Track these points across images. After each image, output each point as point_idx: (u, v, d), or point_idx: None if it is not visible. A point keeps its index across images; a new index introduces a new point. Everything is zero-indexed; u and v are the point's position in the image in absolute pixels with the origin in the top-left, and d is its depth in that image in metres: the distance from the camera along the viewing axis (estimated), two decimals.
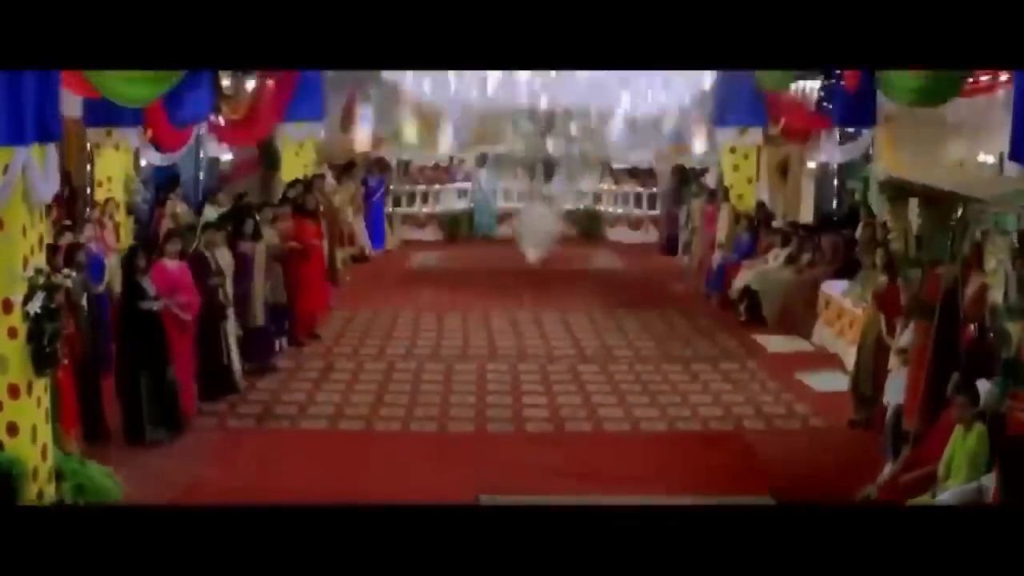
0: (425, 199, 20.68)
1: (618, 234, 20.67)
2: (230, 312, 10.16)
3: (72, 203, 14.33)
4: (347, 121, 22.53)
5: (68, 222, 11.50)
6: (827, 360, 11.50)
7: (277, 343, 11.57)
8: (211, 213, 13.44)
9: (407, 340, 12.55)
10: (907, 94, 8.97)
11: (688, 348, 12.30)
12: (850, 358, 10.06)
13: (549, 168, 16.63)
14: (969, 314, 8.04)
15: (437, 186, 20.97)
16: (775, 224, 14.83)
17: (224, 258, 10.24)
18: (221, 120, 15.43)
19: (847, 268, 12.21)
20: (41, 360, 6.41)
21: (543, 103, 14.03)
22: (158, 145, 14.31)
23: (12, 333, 6.35)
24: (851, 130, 14.23)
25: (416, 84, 14.44)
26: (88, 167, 14.55)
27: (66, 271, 6.69)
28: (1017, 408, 6.33)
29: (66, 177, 15.19)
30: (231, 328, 10.22)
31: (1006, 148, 7.69)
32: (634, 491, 7.76)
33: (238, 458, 8.58)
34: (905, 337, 7.79)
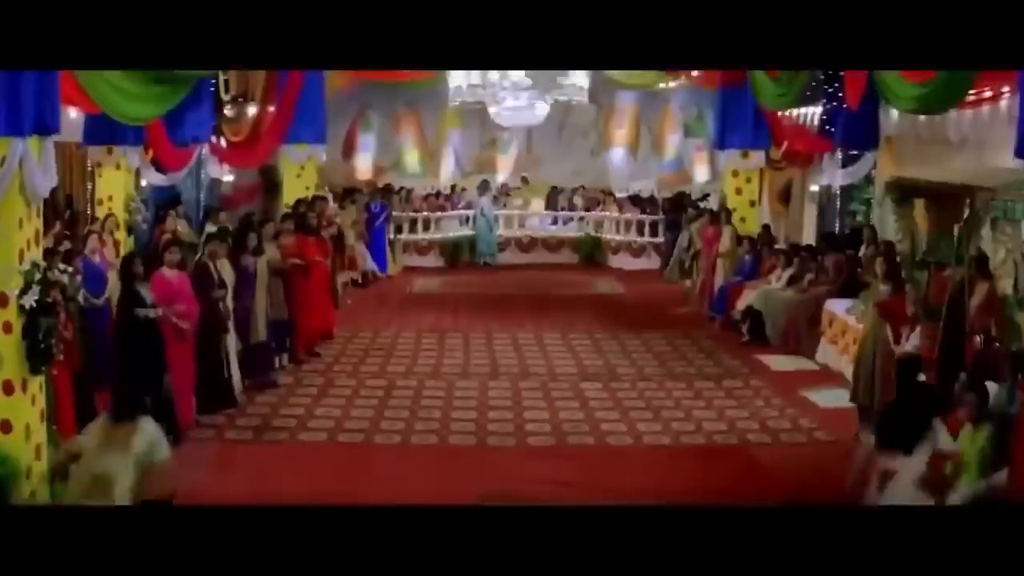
0: (427, 226, 20.67)
1: (620, 261, 20.63)
2: (231, 325, 10.10)
3: (73, 225, 14.32)
4: (348, 149, 22.64)
5: (68, 233, 11.44)
6: (832, 377, 11.39)
7: (277, 360, 11.48)
8: (212, 230, 13.39)
9: (408, 359, 12.45)
10: (909, 102, 8.94)
11: (691, 367, 12.20)
12: None
13: None
14: (976, 325, 7.97)
15: (439, 213, 20.97)
16: (777, 246, 14.78)
17: (226, 271, 10.19)
18: (223, 142, 15.46)
19: (850, 287, 12.13)
20: (36, 356, 6.33)
21: None
22: (159, 165, 14.30)
23: (7, 328, 6.27)
24: (853, 152, 14.23)
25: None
26: (89, 187, 14.55)
27: (62, 266, 6.61)
28: None
29: (67, 200, 15.31)
30: (231, 342, 10.15)
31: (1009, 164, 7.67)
32: (637, 501, 7.65)
33: (235, 468, 8.46)
34: (911, 341, 7.69)
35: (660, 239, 19.98)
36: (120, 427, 5.41)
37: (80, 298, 9.47)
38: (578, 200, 21.99)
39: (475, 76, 15.10)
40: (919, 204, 10.29)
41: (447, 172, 23.30)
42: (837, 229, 15.26)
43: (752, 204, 16.12)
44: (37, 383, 6.61)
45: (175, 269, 9.30)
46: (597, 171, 23.38)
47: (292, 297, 11.67)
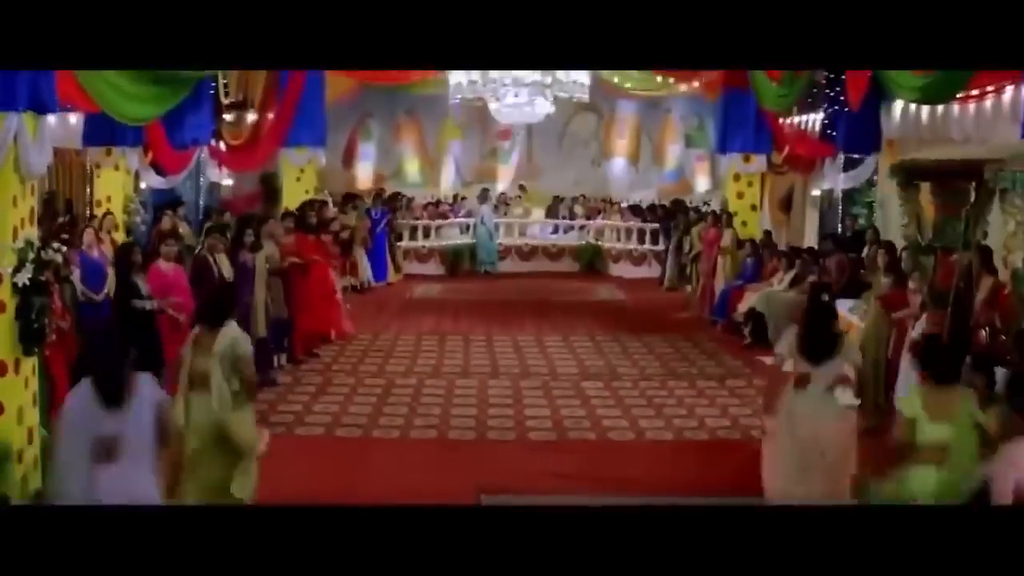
0: (427, 233, 20.61)
1: (621, 269, 20.58)
2: None
3: (72, 228, 14.25)
4: (349, 157, 22.65)
5: (67, 232, 11.35)
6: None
7: (276, 358, 11.36)
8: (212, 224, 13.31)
9: (408, 359, 12.35)
10: (912, 92, 8.89)
11: (693, 367, 12.09)
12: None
13: None
14: (982, 319, 7.87)
15: (439, 221, 20.93)
16: (779, 248, 14.70)
17: (225, 267, 10.10)
18: (222, 145, 15.42)
19: (853, 288, 12.02)
20: (29, 335, 6.22)
21: None
22: (158, 168, 14.25)
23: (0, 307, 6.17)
24: (855, 156, 14.17)
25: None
26: (88, 190, 14.50)
27: (56, 245, 6.52)
28: None
29: (67, 204, 15.25)
30: None
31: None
32: (638, 493, 7.55)
33: None
34: (918, 328, 7.58)
35: (660, 247, 19.93)
36: (205, 332, 6.23)
37: (79, 294, 9.43)
38: (579, 209, 21.96)
39: (475, 72, 15.05)
40: (925, 188, 10.18)
41: (447, 181, 23.32)
42: (839, 232, 15.19)
43: (753, 208, 16.06)
44: (30, 365, 6.50)
45: (171, 262, 9.21)
46: (598, 181, 23.38)
47: (291, 297, 11.57)
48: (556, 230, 21.84)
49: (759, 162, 15.67)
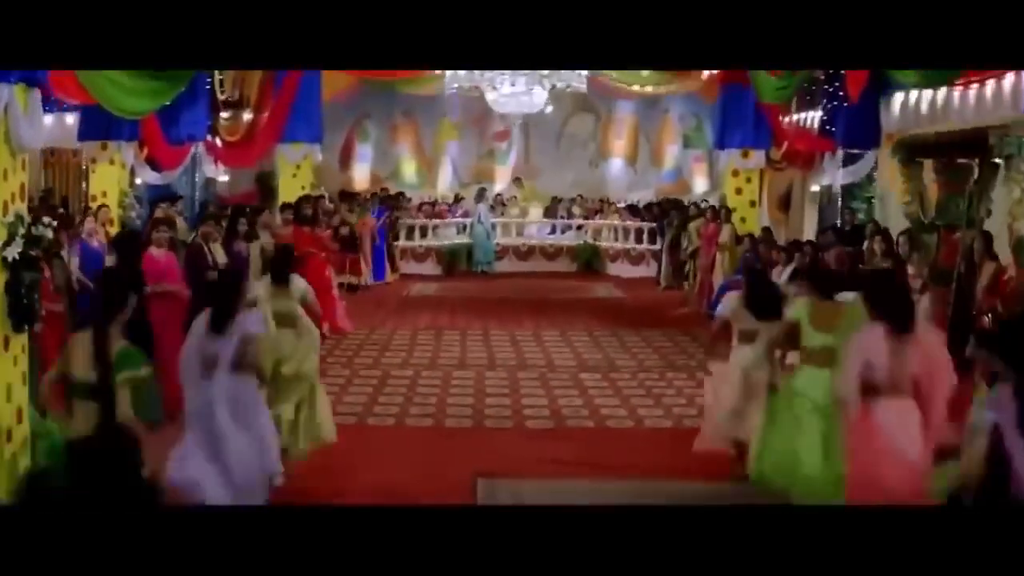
0: (424, 233, 20.53)
1: (619, 269, 20.50)
2: None
3: (69, 225, 14.16)
4: (346, 159, 22.59)
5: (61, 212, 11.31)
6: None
7: None
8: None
9: (404, 352, 12.27)
10: (912, 76, 8.82)
11: (692, 360, 11.97)
12: None
13: None
14: (984, 306, 7.80)
15: (436, 220, 20.85)
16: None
17: (219, 256, 10.02)
18: (218, 141, 15.34)
19: (852, 281, 11.91)
20: (19, 312, 6.11)
21: None
22: (154, 163, 14.18)
23: None
24: (854, 152, 14.10)
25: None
26: (84, 186, 14.42)
27: (47, 220, 6.41)
28: None
29: (63, 202, 15.15)
30: None
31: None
32: (636, 477, 7.49)
33: None
34: (922, 305, 7.49)
35: (657, 246, 19.86)
36: (275, 285, 7.70)
37: (74, 282, 9.35)
38: (576, 210, 21.88)
39: None
40: (928, 166, 10.10)
41: (445, 183, 23.25)
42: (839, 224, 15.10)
43: (752, 204, 16.00)
44: (19, 343, 6.39)
45: (163, 248, 9.13)
46: (596, 182, 23.31)
47: None
48: (554, 230, 21.75)
49: (758, 158, 15.61)
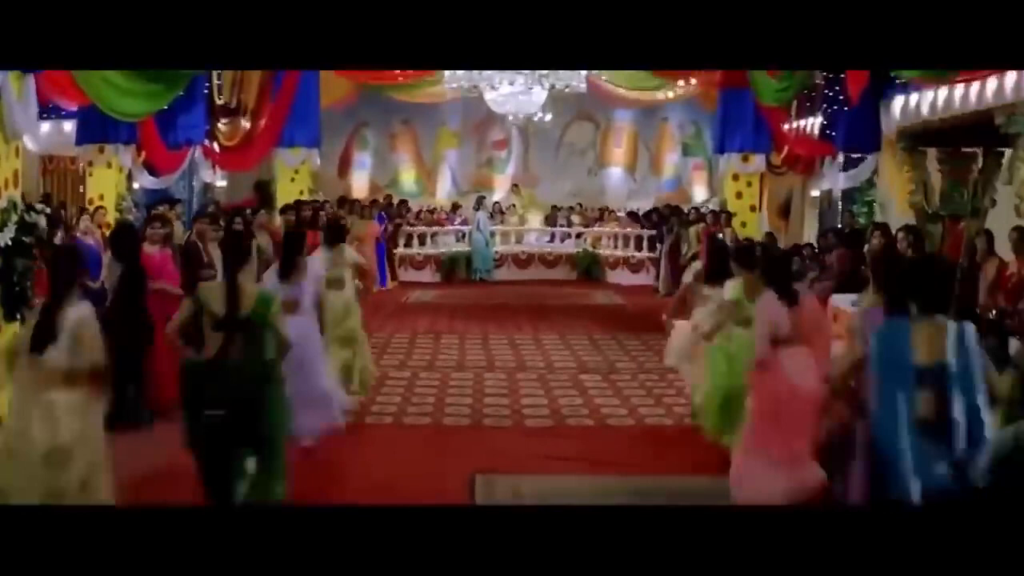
0: (422, 240, 20.47)
1: (618, 276, 20.42)
2: None
3: (66, 231, 14.09)
4: (344, 167, 22.57)
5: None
6: None
7: None
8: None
9: (402, 354, 12.18)
10: (914, 72, 8.78)
11: None
12: None
13: None
14: (987, 303, 7.72)
15: (435, 228, 20.79)
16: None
17: (215, 254, 9.93)
18: (216, 146, 15.29)
19: (854, 283, 11.85)
20: (11, 299, 6.04)
21: None
22: (152, 168, 14.13)
23: None
24: (854, 156, 14.06)
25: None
26: (81, 189, 14.37)
27: (40, 206, 6.34)
28: None
29: (61, 206, 15.07)
30: None
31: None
32: (635, 473, 7.41)
33: None
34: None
35: (657, 254, 19.80)
36: (336, 248, 9.11)
37: None
38: (575, 219, 21.83)
39: None
40: (932, 156, 10.04)
41: (444, 191, 23.22)
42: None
43: (752, 209, 15.95)
44: (11, 332, 6.30)
45: (157, 244, 9.06)
46: (595, 191, 23.28)
47: None
48: (552, 238, 21.69)
49: (758, 162, 15.59)
